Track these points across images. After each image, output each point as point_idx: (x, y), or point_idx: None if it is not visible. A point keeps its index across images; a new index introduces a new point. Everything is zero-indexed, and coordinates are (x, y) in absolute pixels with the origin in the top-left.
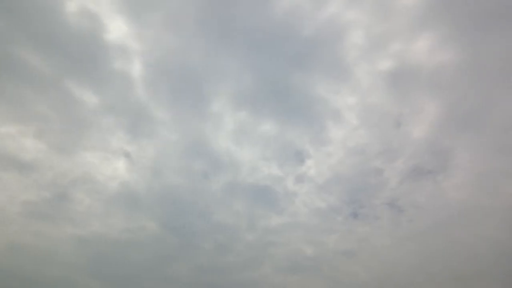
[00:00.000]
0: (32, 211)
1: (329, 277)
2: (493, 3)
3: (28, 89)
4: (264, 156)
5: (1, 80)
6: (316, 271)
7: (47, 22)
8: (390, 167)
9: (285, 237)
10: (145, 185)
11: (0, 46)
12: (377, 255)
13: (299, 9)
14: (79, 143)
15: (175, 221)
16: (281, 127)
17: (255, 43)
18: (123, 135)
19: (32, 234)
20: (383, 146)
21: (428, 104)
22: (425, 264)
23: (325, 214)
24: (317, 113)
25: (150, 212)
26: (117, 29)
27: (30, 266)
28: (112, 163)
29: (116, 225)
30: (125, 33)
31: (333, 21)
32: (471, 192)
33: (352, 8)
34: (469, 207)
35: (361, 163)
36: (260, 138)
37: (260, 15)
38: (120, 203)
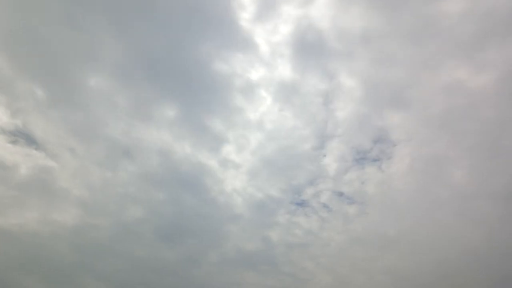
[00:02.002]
0: None
1: (288, 274)
2: None
3: None
4: (176, 140)
5: None
6: (272, 267)
7: None
8: (325, 152)
9: (227, 230)
10: (57, 170)
11: None
12: (333, 250)
13: None
14: None
15: (103, 209)
16: (186, 107)
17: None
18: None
19: None
20: (311, 128)
21: (347, 78)
22: (384, 259)
23: (264, 205)
24: (222, 89)
25: (72, 199)
26: None
27: None
28: (8, 144)
29: (33, 215)
30: None
31: None
32: (418, 179)
33: None
34: (419, 196)
35: (290, 148)
36: (164, 120)
37: None
38: (34, 190)
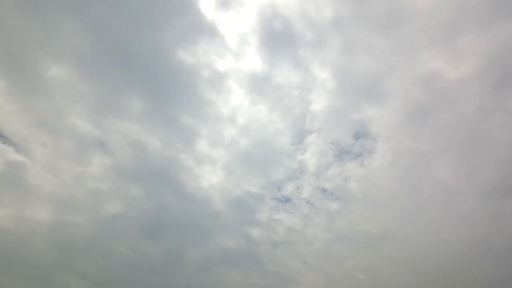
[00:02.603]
0: None
1: (272, 273)
2: None
3: None
4: (147, 133)
5: None
6: (256, 265)
7: None
8: (304, 147)
9: (208, 227)
10: (28, 165)
11: None
12: (318, 248)
13: None
14: None
15: (79, 205)
16: (153, 97)
17: None
18: None
19: None
20: (287, 122)
21: (319, 69)
22: (369, 257)
23: (243, 201)
24: (189, 79)
25: (45, 195)
26: None
27: None
28: None
29: (5, 212)
30: None
31: None
32: (401, 175)
33: None
34: (402, 192)
35: (266, 143)
36: (132, 111)
37: None
38: (5, 187)
